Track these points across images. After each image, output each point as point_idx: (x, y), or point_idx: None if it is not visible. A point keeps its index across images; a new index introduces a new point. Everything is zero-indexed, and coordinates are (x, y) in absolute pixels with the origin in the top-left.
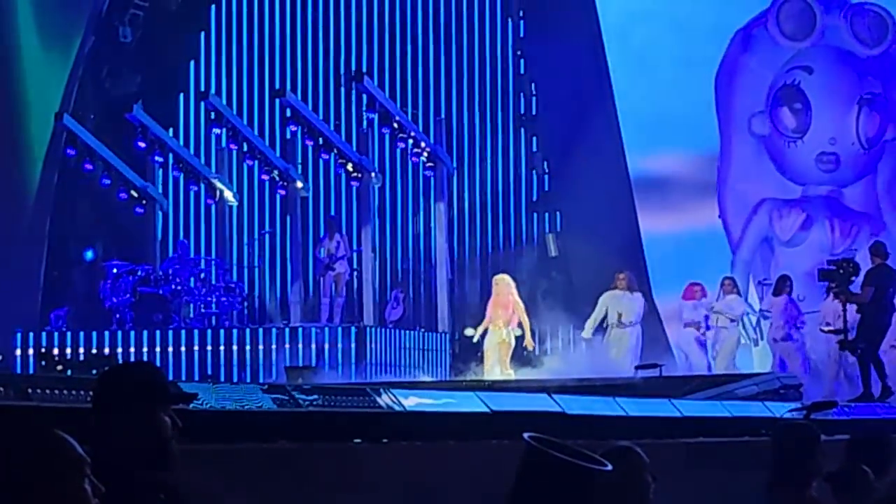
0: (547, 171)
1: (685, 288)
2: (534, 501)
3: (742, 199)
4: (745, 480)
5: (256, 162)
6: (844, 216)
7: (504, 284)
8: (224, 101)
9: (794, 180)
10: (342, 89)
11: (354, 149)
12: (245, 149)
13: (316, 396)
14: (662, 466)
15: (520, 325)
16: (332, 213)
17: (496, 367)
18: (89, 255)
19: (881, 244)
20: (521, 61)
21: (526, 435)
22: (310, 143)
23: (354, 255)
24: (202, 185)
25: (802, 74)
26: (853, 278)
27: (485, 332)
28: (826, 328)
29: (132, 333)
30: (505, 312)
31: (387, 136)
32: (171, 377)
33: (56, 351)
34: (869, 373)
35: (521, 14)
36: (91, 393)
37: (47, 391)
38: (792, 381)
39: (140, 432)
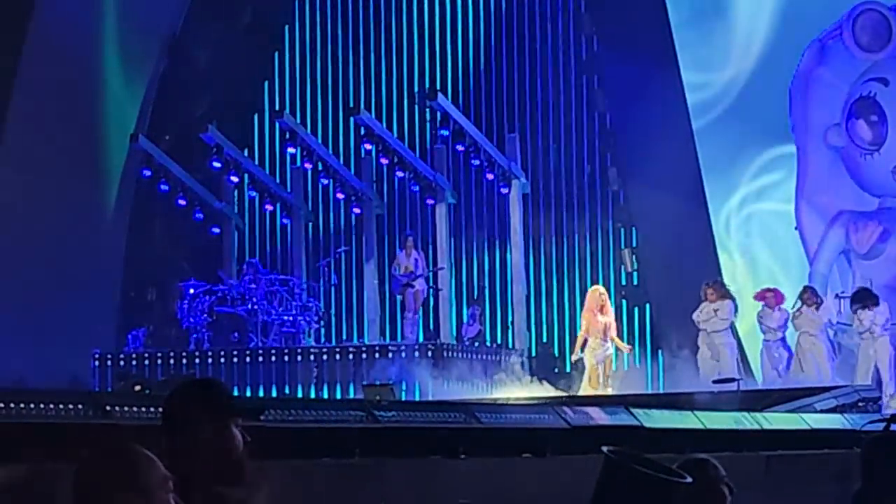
0: (622, 186)
1: (759, 292)
2: None
3: (819, 211)
4: (825, 493)
5: (331, 180)
6: None
7: (600, 295)
8: (298, 120)
9: (870, 192)
10: (416, 106)
11: (429, 166)
12: (320, 167)
13: (394, 413)
14: (741, 479)
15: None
16: (408, 230)
17: (598, 381)
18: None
19: None
20: (595, 77)
21: (605, 448)
22: (384, 161)
23: (431, 273)
24: (277, 205)
25: (878, 86)
26: None
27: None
28: None
29: (211, 354)
30: (605, 324)
31: (461, 154)
32: (248, 394)
33: (134, 371)
34: None
35: (594, 30)
36: (161, 410)
37: (125, 408)
38: (871, 393)
39: (209, 447)
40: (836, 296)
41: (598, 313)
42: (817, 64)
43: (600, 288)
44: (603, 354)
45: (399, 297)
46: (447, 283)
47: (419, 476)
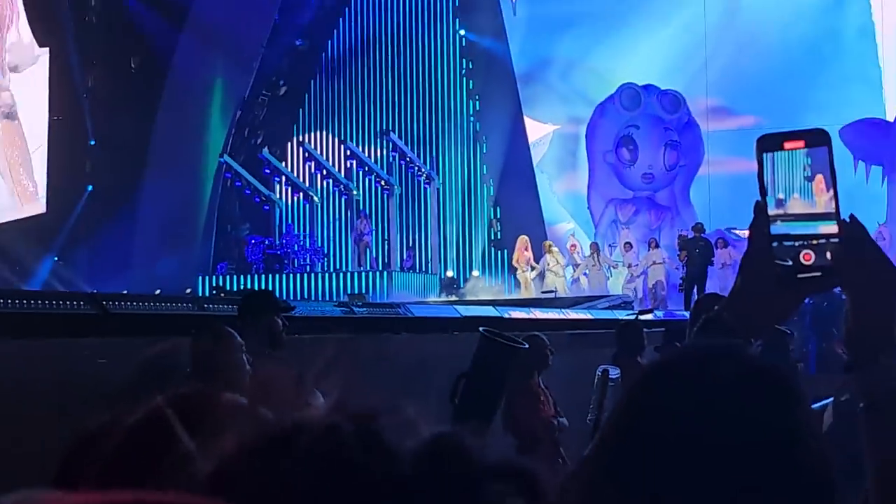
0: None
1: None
2: (482, 369)
3: (600, 198)
4: (602, 356)
5: (329, 181)
6: (658, 209)
7: (525, 242)
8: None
9: (629, 188)
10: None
11: (385, 172)
12: (324, 173)
13: (365, 309)
14: (556, 347)
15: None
16: (363, 210)
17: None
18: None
19: (698, 224)
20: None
21: (481, 328)
22: (359, 169)
23: (372, 232)
24: (300, 193)
25: (634, 129)
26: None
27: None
28: None
29: (264, 276)
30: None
31: (403, 163)
32: (284, 298)
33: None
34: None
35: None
36: (236, 306)
37: (215, 305)
38: (628, 299)
39: (264, 328)
40: (608, 245)
41: (524, 251)
42: (600, 116)
43: (524, 238)
44: (534, 273)
45: (357, 245)
46: (396, 236)
47: (377, 346)
